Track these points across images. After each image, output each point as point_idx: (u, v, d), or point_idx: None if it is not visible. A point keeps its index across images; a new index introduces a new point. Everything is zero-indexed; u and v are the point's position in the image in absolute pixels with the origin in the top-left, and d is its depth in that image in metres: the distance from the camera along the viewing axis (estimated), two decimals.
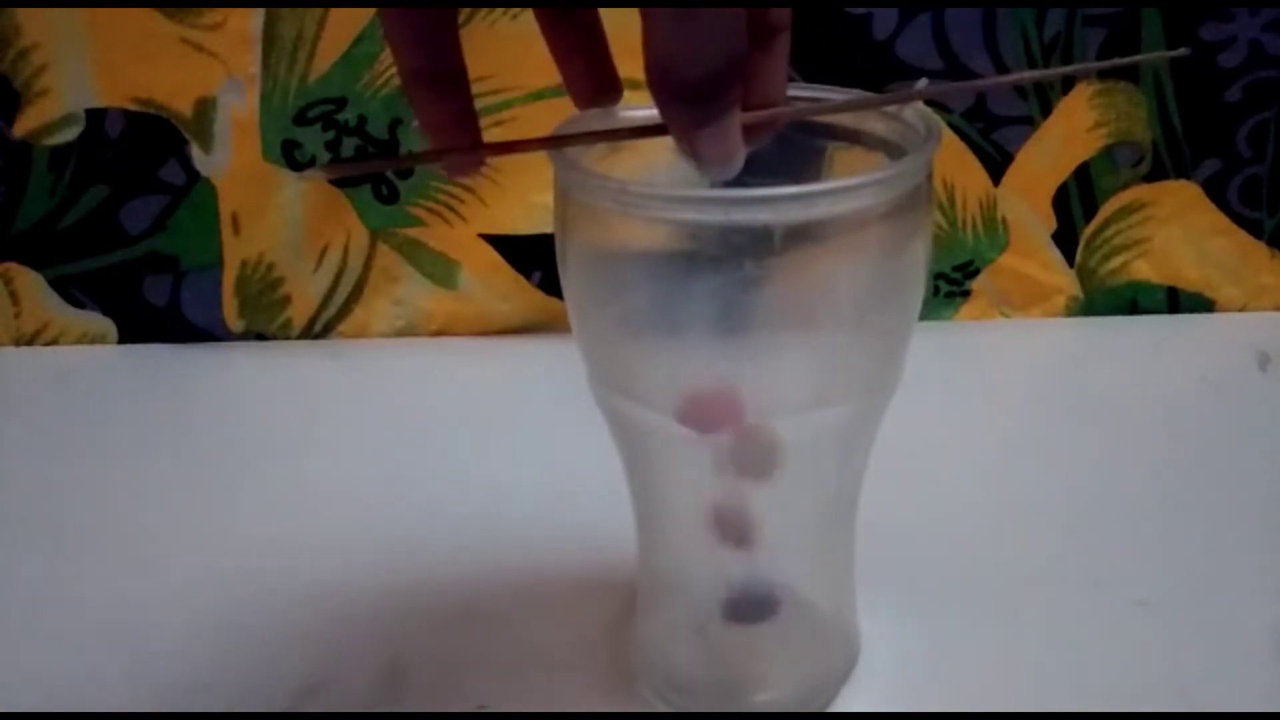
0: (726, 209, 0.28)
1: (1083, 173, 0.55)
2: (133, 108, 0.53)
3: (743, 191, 0.28)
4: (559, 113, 0.31)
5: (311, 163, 0.54)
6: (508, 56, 0.51)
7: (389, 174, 0.55)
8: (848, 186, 0.28)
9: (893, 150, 0.31)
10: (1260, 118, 0.54)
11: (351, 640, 0.38)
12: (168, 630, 0.39)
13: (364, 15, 0.52)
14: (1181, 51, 0.33)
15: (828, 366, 0.30)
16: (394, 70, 0.52)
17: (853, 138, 0.32)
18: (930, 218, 0.31)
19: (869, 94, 0.31)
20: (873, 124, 0.32)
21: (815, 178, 0.32)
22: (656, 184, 0.29)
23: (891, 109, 0.31)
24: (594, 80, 0.31)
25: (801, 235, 0.28)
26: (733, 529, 0.32)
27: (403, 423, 0.51)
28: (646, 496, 0.34)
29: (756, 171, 0.32)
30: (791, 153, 0.32)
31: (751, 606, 0.34)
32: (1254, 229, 0.56)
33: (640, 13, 0.25)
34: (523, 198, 0.55)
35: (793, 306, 0.29)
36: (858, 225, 0.29)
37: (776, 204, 0.27)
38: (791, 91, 0.32)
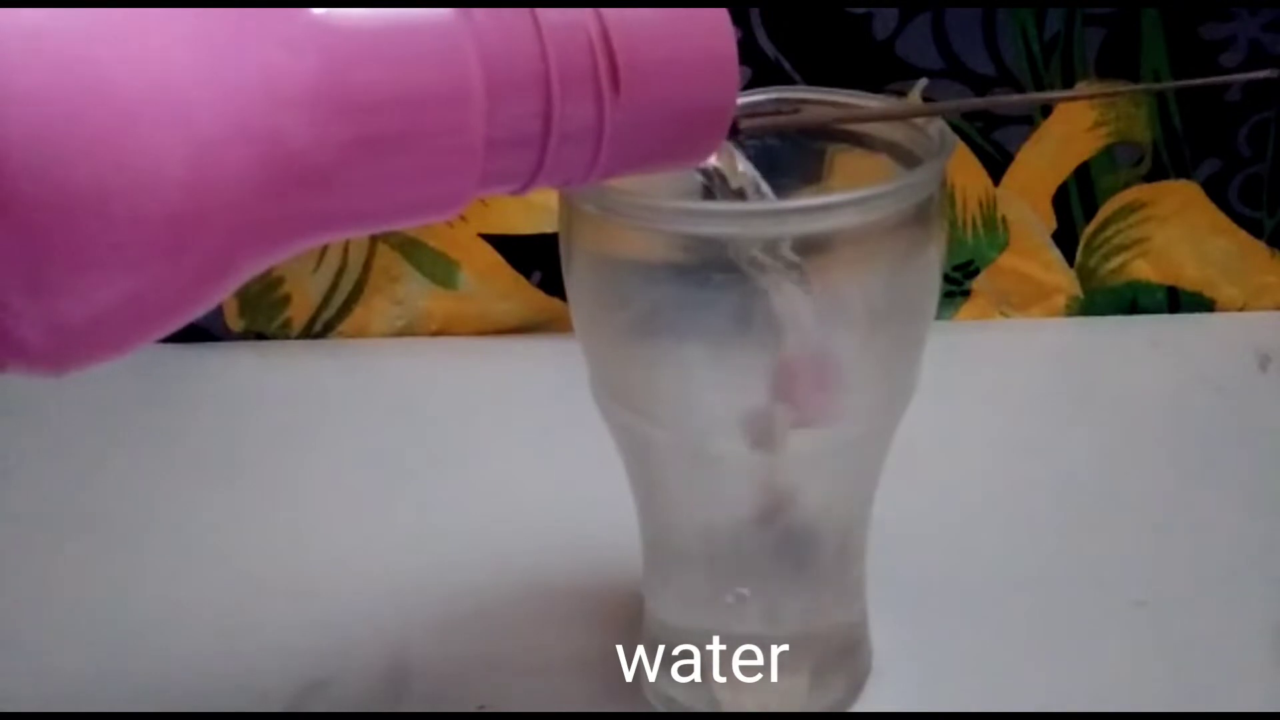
0: (734, 222, 0.27)
1: (1083, 172, 0.55)
2: None
3: (751, 205, 0.28)
4: None
5: None
6: None
7: None
8: (859, 199, 0.27)
9: (895, 152, 0.31)
10: (1260, 118, 0.54)
11: (352, 640, 0.38)
12: (167, 630, 0.39)
13: None
14: (1269, 73, 0.31)
15: (839, 380, 0.30)
16: None
17: (854, 140, 0.32)
18: (944, 228, 0.31)
19: (895, 103, 0.31)
20: (876, 126, 0.31)
21: (815, 179, 0.32)
22: (662, 195, 0.28)
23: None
24: None
25: (811, 247, 0.28)
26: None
27: (403, 423, 0.51)
28: (651, 507, 0.34)
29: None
30: (791, 153, 0.32)
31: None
32: (1254, 229, 0.56)
33: None
34: (523, 197, 0.54)
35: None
36: (869, 236, 0.28)
37: (786, 217, 0.27)
38: (796, 94, 0.32)
